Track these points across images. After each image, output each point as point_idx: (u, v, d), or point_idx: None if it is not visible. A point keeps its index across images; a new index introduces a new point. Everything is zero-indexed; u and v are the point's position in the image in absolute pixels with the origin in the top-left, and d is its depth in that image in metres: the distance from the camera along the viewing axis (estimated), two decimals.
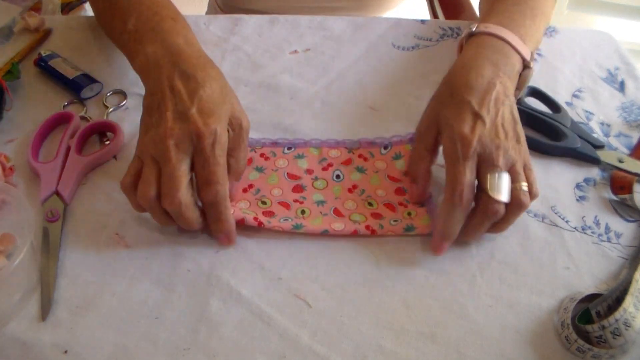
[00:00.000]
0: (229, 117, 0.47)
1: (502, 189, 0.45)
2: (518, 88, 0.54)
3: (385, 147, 0.56)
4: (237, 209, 0.49)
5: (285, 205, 0.51)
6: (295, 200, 0.52)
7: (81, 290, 0.45)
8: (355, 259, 0.48)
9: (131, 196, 0.46)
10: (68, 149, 0.54)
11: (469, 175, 0.45)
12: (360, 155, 0.56)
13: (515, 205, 0.46)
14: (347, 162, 0.55)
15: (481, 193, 0.46)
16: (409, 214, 0.51)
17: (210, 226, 0.47)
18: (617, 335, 0.41)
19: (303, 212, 0.51)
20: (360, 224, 0.50)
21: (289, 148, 0.56)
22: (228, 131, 0.47)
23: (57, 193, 0.51)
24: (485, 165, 0.46)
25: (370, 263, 0.48)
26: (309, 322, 0.44)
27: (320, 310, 0.45)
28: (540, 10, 0.60)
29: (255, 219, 0.49)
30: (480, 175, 0.46)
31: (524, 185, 0.46)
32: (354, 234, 0.49)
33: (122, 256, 0.48)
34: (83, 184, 0.53)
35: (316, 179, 0.54)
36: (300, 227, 0.49)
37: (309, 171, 0.54)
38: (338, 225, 0.49)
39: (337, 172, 0.54)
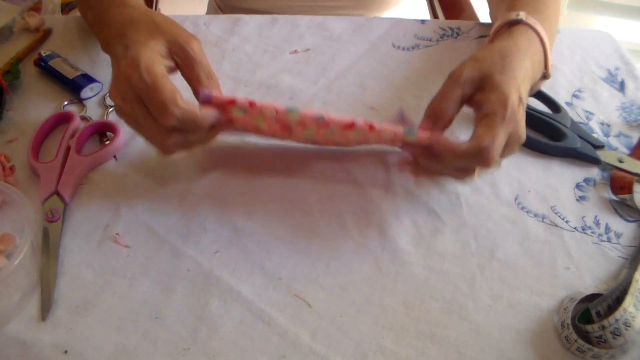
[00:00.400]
0: (166, 47, 0.47)
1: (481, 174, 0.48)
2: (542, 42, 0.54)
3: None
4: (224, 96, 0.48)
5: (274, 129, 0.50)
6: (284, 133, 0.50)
7: (81, 290, 0.45)
8: (355, 259, 0.48)
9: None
10: (68, 149, 0.54)
11: (501, 140, 0.44)
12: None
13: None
14: (347, 127, 0.49)
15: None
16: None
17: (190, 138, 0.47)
18: (617, 335, 0.41)
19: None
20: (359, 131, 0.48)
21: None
22: (174, 59, 0.47)
23: (57, 193, 0.51)
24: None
25: (370, 263, 0.48)
26: (309, 322, 0.44)
27: (320, 310, 0.45)
28: (557, 18, 0.60)
29: (246, 99, 0.48)
30: None
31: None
32: (351, 125, 0.48)
33: (122, 256, 0.48)
34: (83, 184, 0.53)
35: (306, 129, 0.50)
36: (295, 110, 0.48)
37: (300, 123, 0.49)
38: (334, 115, 0.48)
39: (333, 130, 0.50)
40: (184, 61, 0.48)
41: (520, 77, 0.48)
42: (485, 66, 0.48)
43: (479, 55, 0.49)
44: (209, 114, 0.46)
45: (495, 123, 0.44)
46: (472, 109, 0.48)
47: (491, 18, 0.68)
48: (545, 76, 0.54)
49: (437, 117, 0.48)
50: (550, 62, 0.54)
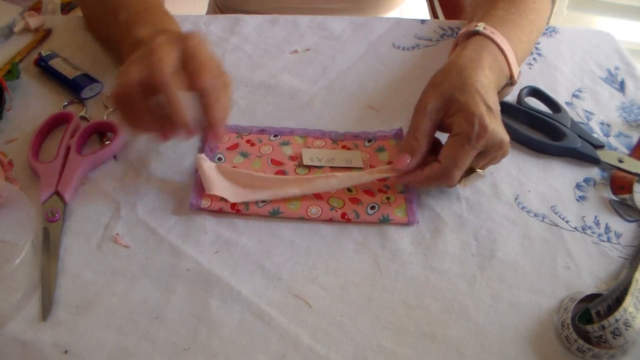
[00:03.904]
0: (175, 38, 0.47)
1: (469, 185, 0.51)
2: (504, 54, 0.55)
3: (370, 141, 0.58)
4: (215, 198, 0.51)
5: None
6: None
7: (81, 290, 0.45)
8: (355, 259, 0.48)
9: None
10: (68, 149, 0.54)
11: (468, 163, 0.47)
12: (344, 146, 0.57)
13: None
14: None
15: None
16: (388, 198, 0.52)
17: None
18: (617, 335, 0.41)
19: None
20: (337, 210, 0.51)
21: (275, 135, 0.57)
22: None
23: (57, 193, 0.51)
24: (479, 157, 0.48)
25: (370, 263, 0.48)
26: (309, 322, 0.44)
27: (320, 310, 0.45)
28: (536, 26, 0.61)
29: (233, 206, 0.50)
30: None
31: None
32: (330, 222, 0.51)
33: (122, 256, 0.48)
34: (83, 184, 0.53)
35: (299, 165, 0.55)
36: (278, 212, 0.50)
37: (292, 158, 0.56)
38: (314, 211, 0.50)
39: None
40: (187, 53, 0.47)
41: (481, 88, 0.49)
42: (446, 90, 0.49)
43: (437, 80, 0.51)
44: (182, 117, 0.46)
45: (462, 142, 0.47)
46: (446, 133, 0.49)
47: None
48: (511, 83, 0.56)
49: (412, 151, 0.49)
50: (517, 68, 0.56)
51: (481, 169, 0.49)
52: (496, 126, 0.48)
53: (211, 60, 0.47)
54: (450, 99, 0.49)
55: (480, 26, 0.55)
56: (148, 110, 0.45)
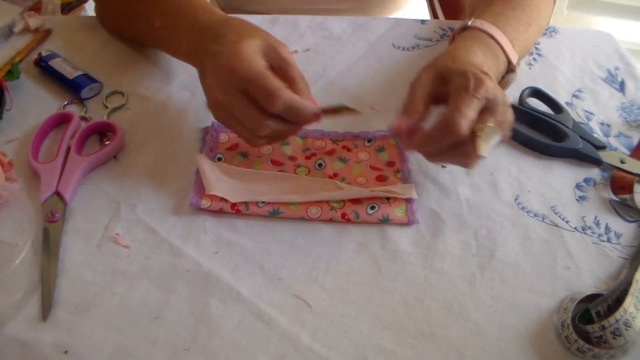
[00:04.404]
0: (261, 47, 0.48)
1: (487, 147, 0.46)
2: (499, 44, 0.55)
3: (369, 140, 0.58)
4: (215, 198, 0.51)
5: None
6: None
7: (81, 290, 0.45)
8: (355, 259, 0.48)
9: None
10: (68, 149, 0.54)
11: (472, 113, 0.44)
12: (344, 147, 0.57)
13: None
14: (331, 152, 0.56)
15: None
16: (388, 199, 0.52)
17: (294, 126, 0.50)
18: (617, 335, 0.41)
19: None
20: (337, 211, 0.51)
21: None
22: (268, 60, 0.48)
23: (57, 193, 0.51)
24: (486, 113, 0.46)
25: (370, 263, 0.48)
26: (309, 322, 0.44)
27: (320, 310, 0.45)
28: (536, 21, 0.61)
29: (233, 206, 0.50)
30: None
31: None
32: (330, 222, 0.51)
33: (122, 256, 0.48)
34: (83, 184, 0.53)
35: (299, 165, 0.55)
36: (277, 213, 0.50)
37: (292, 158, 0.56)
38: (314, 212, 0.50)
39: (320, 161, 0.55)
40: (278, 62, 0.49)
41: (475, 61, 0.49)
42: (439, 65, 0.49)
43: (429, 63, 0.50)
44: (310, 106, 0.48)
45: (461, 96, 0.45)
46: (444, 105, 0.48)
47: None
48: (511, 69, 0.55)
49: (409, 112, 0.48)
50: (522, 56, 0.56)
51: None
52: (494, 84, 0.47)
53: (262, 80, 0.47)
54: (444, 69, 0.48)
55: (468, 22, 0.55)
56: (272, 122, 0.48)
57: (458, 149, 0.46)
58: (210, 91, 0.49)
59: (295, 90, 0.48)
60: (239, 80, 0.46)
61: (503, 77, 0.56)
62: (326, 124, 0.59)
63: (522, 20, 0.59)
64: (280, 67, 0.49)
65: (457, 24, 0.71)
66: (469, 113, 0.44)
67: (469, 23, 0.56)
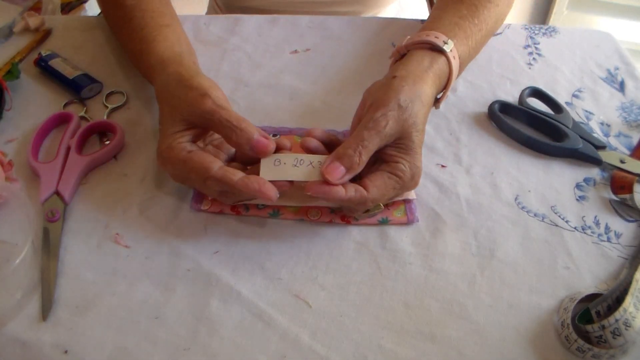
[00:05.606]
0: (184, 124, 0.48)
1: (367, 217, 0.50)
2: (445, 87, 0.55)
3: None
4: (215, 200, 0.51)
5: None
6: None
7: (81, 290, 0.45)
8: (355, 259, 0.48)
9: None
10: (68, 149, 0.54)
11: (390, 195, 0.47)
12: None
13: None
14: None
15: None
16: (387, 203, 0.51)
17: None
18: (617, 335, 0.41)
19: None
20: (337, 213, 0.51)
21: (274, 135, 0.57)
22: (198, 127, 0.49)
23: (57, 193, 0.51)
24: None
25: (370, 263, 0.48)
26: (309, 322, 0.44)
27: (320, 310, 0.45)
28: (479, 35, 0.60)
29: (233, 208, 0.51)
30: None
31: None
32: (329, 223, 0.51)
33: (122, 256, 0.48)
34: (83, 184, 0.53)
35: None
36: (277, 214, 0.50)
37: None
38: (314, 214, 0.51)
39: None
40: (207, 127, 0.49)
41: (423, 118, 0.49)
42: (406, 121, 0.47)
43: (398, 103, 0.47)
44: (247, 182, 0.45)
45: (395, 187, 0.47)
46: (380, 157, 0.48)
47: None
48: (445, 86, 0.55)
49: (351, 167, 0.45)
50: (453, 82, 0.55)
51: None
52: (419, 160, 0.48)
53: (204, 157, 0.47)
54: (406, 136, 0.47)
55: (449, 46, 0.53)
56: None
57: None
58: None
59: (232, 136, 0.46)
60: (172, 170, 0.48)
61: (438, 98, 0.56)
62: (325, 124, 0.59)
63: (475, 34, 0.58)
64: (212, 129, 0.48)
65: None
66: (387, 197, 0.47)
67: (448, 51, 0.53)
